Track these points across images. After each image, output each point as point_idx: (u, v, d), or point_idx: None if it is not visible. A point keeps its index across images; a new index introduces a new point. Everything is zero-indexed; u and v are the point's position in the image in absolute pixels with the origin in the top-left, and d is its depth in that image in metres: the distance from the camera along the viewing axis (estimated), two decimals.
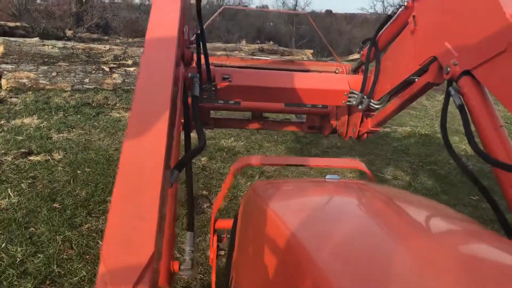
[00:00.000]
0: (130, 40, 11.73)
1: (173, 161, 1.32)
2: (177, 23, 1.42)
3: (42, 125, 6.34)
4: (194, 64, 2.31)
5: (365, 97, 2.40)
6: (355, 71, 2.84)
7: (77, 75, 8.40)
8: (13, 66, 8.19)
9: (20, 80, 7.98)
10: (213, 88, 2.40)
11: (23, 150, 5.33)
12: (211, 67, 2.38)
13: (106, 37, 13.36)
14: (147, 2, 45.47)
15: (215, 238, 2.16)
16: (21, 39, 8.79)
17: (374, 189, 1.63)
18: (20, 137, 5.77)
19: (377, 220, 1.29)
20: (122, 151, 0.91)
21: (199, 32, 2.20)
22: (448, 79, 1.74)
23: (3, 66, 8.18)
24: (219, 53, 10.70)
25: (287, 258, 1.10)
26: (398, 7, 2.27)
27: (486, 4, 1.55)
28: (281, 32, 51.34)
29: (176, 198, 1.60)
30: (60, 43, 9.07)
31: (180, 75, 1.70)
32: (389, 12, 2.37)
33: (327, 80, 2.59)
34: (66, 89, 8.18)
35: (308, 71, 3.17)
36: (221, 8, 4.26)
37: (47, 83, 8.15)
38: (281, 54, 12.03)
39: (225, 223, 2.12)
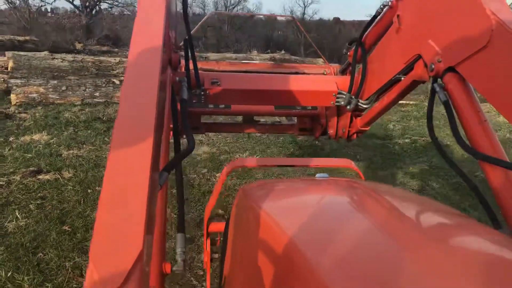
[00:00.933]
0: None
1: (162, 164, 1.30)
2: (162, 28, 1.41)
3: (51, 141, 6.17)
4: (182, 70, 2.32)
5: (353, 97, 2.42)
6: (342, 72, 2.85)
7: (87, 89, 8.26)
8: (23, 81, 8.07)
9: (29, 95, 7.85)
10: (202, 93, 2.40)
11: (32, 168, 5.15)
12: (199, 72, 2.38)
13: (116, 49, 13.26)
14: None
15: (209, 241, 2.17)
16: (30, 53, 8.69)
17: (365, 186, 1.64)
18: (29, 155, 5.60)
19: (369, 217, 1.30)
20: (108, 155, 0.90)
21: (187, 37, 2.22)
22: (432, 76, 1.76)
23: (13, 81, 8.06)
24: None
25: (280, 258, 1.09)
26: (382, 7, 2.28)
27: (467, 1, 1.57)
28: (289, 41, 51.35)
29: (166, 200, 1.60)
30: (69, 56, 8.96)
31: (168, 80, 1.70)
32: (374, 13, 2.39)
33: (315, 81, 2.62)
34: (76, 103, 8.04)
35: (296, 73, 3.20)
36: (208, 14, 4.21)
37: (57, 97, 8.01)
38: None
39: (218, 226, 2.12)
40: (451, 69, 1.67)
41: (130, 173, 0.88)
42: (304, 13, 53.29)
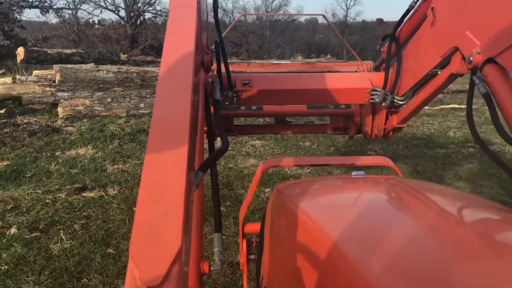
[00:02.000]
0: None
1: (197, 165, 1.30)
2: (194, 29, 1.40)
3: (96, 155, 6.06)
4: (215, 72, 2.31)
5: (388, 93, 2.36)
6: (376, 68, 2.79)
7: (132, 100, 8.18)
8: (69, 94, 8.10)
9: (75, 108, 7.85)
10: (234, 95, 2.39)
11: (77, 185, 5.03)
12: (231, 73, 2.36)
13: (160, 59, 13.22)
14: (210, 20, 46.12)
15: (245, 242, 2.16)
16: (77, 66, 8.74)
17: (404, 183, 1.61)
18: (75, 170, 5.50)
19: (411, 215, 1.27)
20: (145, 155, 0.90)
21: (218, 40, 2.21)
22: (471, 68, 1.70)
23: (60, 94, 8.11)
24: None
25: (320, 258, 1.08)
26: (416, 0, 2.23)
27: None
28: (331, 44, 50.71)
29: (202, 200, 1.59)
30: (114, 68, 8.95)
31: (201, 81, 1.70)
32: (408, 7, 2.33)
33: (348, 79, 2.55)
34: (121, 115, 7.97)
35: (329, 71, 3.14)
36: (239, 15, 4.03)
37: (102, 109, 7.97)
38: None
39: (254, 227, 2.11)
40: (490, 60, 1.61)
41: (167, 172, 0.88)
42: (346, 15, 52.50)
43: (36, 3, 28.76)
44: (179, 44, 1.35)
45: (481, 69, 1.66)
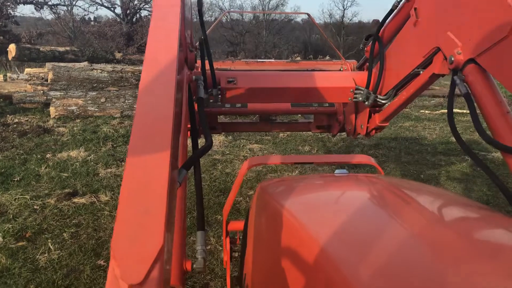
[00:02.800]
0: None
1: (181, 163, 1.27)
2: (177, 27, 1.40)
3: (89, 158, 5.85)
4: (199, 70, 2.31)
5: (371, 92, 2.40)
6: (360, 67, 2.82)
7: (126, 100, 7.95)
8: (62, 93, 7.86)
9: (68, 108, 7.62)
10: (218, 92, 2.40)
11: (67, 190, 4.81)
12: (215, 71, 2.38)
13: None
14: (194, 20, 46.05)
15: (228, 240, 2.16)
16: (70, 64, 8.50)
17: (386, 182, 1.64)
18: (65, 174, 5.28)
19: (392, 213, 1.28)
20: (127, 154, 0.90)
21: (202, 37, 2.23)
22: (452, 68, 1.73)
23: (52, 93, 7.87)
24: None
25: (302, 255, 1.08)
26: (399, 0, 2.25)
27: None
28: (327, 44, 50.60)
29: (185, 198, 1.60)
30: (109, 67, 8.71)
31: (185, 78, 1.72)
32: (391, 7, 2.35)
33: (332, 77, 2.59)
34: (115, 116, 7.75)
35: (313, 70, 3.16)
36: (223, 13, 3.91)
37: (96, 109, 7.75)
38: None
39: (237, 225, 2.11)
40: (471, 61, 1.64)
41: (149, 170, 0.87)
42: (343, 16, 52.36)
43: None
44: (163, 42, 1.33)
45: (462, 69, 1.68)
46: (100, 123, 7.38)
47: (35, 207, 4.44)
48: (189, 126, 1.82)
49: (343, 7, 52.09)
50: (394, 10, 2.34)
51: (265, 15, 48.67)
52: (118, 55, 10.27)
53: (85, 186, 4.96)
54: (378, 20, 2.49)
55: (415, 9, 2.08)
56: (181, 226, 1.53)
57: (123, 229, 0.75)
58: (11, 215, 4.25)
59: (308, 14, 3.92)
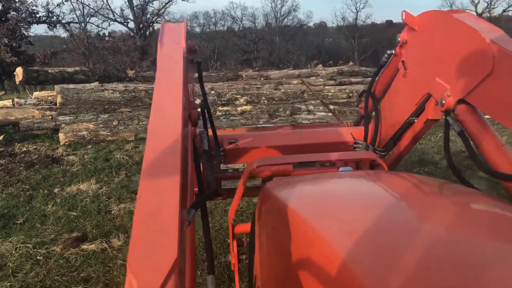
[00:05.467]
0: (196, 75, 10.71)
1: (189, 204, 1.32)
2: (181, 86, 1.45)
3: (100, 191, 5.27)
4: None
5: (369, 145, 2.47)
6: (357, 124, 2.87)
7: (140, 122, 7.40)
8: (72, 117, 7.35)
9: (78, 133, 7.09)
10: (221, 153, 2.46)
11: (75, 234, 4.23)
12: (218, 133, 2.45)
13: None
14: (207, 30, 46.02)
15: (235, 243, 2.15)
16: (80, 86, 8.00)
17: (391, 177, 1.66)
18: (74, 213, 4.71)
19: (402, 209, 1.28)
20: (136, 203, 0.93)
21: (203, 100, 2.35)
22: (444, 110, 1.80)
23: (61, 118, 7.37)
24: (294, 81, 9.37)
25: (312, 254, 1.08)
26: (387, 56, 2.36)
27: (466, 35, 1.70)
28: (341, 48, 49.90)
29: (194, 240, 1.60)
30: (121, 86, 8.19)
31: (189, 134, 1.80)
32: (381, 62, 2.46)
33: (331, 133, 2.70)
34: (129, 139, 7.19)
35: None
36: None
37: (108, 133, 7.21)
38: (363, 75, 10.49)
39: (244, 227, 2.11)
40: (461, 101, 1.73)
41: (161, 194, 0.95)
42: (356, 18, 51.63)
43: (43, 18, 28.41)
44: (168, 98, 1.38)
45: (454, 110, 1.76)
46: (113, 148, 6.83)
47: (38, 257, 3.87)
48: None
49: (356, 9, 51.34)
50: (383, 67, 2.45)
51: (277, 21, 48.29)
52: (131, 73, 9.76)
53: (96, 228, 4.37)
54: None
55: (402, 61, 2.21)
56: (191, 267, 1.47)
57: (139, 245, 0.80)
58: (11, 269, 3.68)
59: (302, 80, 4.07)
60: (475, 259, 0.90)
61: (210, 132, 2.42)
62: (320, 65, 11.57)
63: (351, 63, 11.37)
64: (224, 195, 2.91)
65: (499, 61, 1.52)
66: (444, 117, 1.83)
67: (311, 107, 8.39)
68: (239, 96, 8.61)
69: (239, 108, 8.31)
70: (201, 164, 1.99)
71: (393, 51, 2.32)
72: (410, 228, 1.10)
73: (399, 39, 2.25)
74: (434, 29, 1.98)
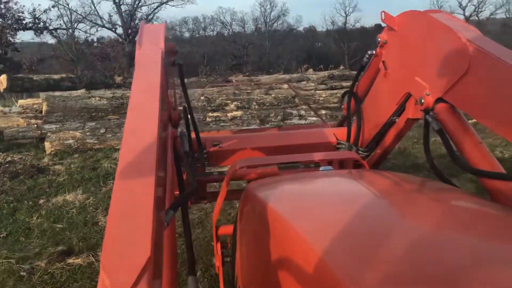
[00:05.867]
0: (185, 80, 10.55)
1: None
2: (159, 87, 1.43)
3: (87, 202, 5.11)
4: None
5: (352, 146, 2.48)
6: (340, 124, 2.87)
7: None
8: (57, 126, 7.18)
9: (65, 142, 6.92)
10: (205, 156, 2.45)
11: (61, 248, 4.06)
12: (201, 135, 2.46)
13: None
14: (197, 35, 45.87)
15: (219, 245, 2.14)
16: (66, 93, 7.83)
17: (372, 176, 1.69)
18: (60, 225, 4.54)
19: (382, 207, 1.29)
20: (111, 198, 0.93)
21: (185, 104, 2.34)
22: (424, 109, 1.82)
23: (47, 126, 7.19)
24: (285, 86, 9.28)
25: (292, 254, 1.08)
26: (368, 56, 2.38)
27: (443, 34, 1.73)
28: (331, 52, 50.01)
29: (175, 240, 1.58)
30: (108, 93, 8.04)
31: (169, 136, 1.80)
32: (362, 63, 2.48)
33: (314, 134, 2.72)
34: (117, 147, 7.02)
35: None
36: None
37: (95, 141, 7.04)
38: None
39: (227, 229, 2.09)
40: (440, 100, 1.75)
41: (136, 192, 0.94)
42: (346, 23, 51.84)
43: (30, 25, 28.08)
44: (145, 98, 1.36)
45: (433, 108, 1.77)
46: (101, 157, 6.66)
47: (22, 273, 3.69)
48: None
49: (345, 13, 51.54)
50: (364, 67, 2.46)
51: (267, 26, 48.31)
52: (118, 79, 9.63)
53: (82, 241, 4.20)
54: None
55: (383, 62, 2.22)
56: (171, 269, 1.45)
57: (112, 244, 0.79)
58: None
59: (287, 84, 4.02)
60: (452, 256, 0.91)
61: (193, 134, 2.41)
62: (311, 70, 11.52)
63: (341, 67, 11.35)
64: (209, 198, 2.85)
65: (475, 60, 1.54)
66: (424, 116, 1.85)
67: (302, 112, 8.29)
68: (230, 101, 8.50)
69: (229, 114, 8.19)
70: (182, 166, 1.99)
71: (374, 52, 2.33)
72: (388, 226, 1.11)
73: (379, 39, 2.27)
74: (413, 29, 2.00)
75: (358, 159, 2.04)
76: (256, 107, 8.55)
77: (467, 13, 43.12)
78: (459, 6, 43.58)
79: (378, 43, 2.28)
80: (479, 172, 1.56)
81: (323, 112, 8.45)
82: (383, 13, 2.17)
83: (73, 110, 7.43)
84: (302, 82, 9.96)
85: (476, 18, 42.81)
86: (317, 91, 9.56)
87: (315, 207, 1.29)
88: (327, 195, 1.47)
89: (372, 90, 2.42)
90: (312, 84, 9.88)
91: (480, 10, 42.90)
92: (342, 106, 2.72)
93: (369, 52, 2.38)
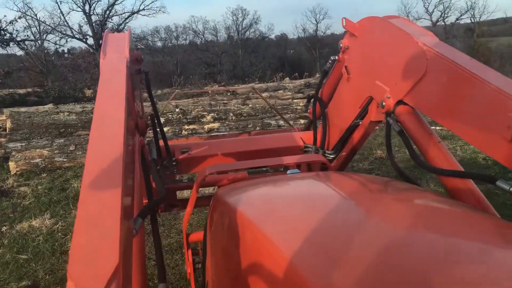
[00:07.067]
0: (159, 92, 10.23)
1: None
2: (124, 95, 1.42)
3: (55, 227, 4.73)
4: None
5: (319, 149, 2.55)
6: (307, 128, 2.94)
7: None
8: (23, 144, 6.74)
9: (31, 161, 6.49)
10: (174, 163, 2.48)
11: (25, 283, 3.69)
12: (170, 143, 2.50)
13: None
14: (169, 44, 45.34)
15: (190, 252, 2.15)
16: (32, 108, 7.39)
17: (337, 177, 1.75)
18: (24, 256, 4.15)
19: (347, 207, 1.32)
20: (78, 208, 0.91)
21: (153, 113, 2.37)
22: (385, 112, 1.89)
23: (11, 145, 6.74)
24: (264, 94, 9.05)
25: (261, 258, 1.09)
26: (331, 61, 2.45)
27: (400, 39, 1.81)
28: (303, 58, 50.30)
29: (144, 248, 1.54)
30: (78, 107, 7.64)
31: (136, 144, 1.81)
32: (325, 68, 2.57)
33: (281, 138, 2.81)
34: None
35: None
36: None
37: (64, 159, 6.64)
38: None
39: (198, 236, 2.09)
40: (400, 102, 1.82)
41: (103, 201, 0.92)
42: (317, 30, 52.24)
43: None
44: (110, 103, 1.36)
45: (394, 111, 1.85)
46: (70, 176, 6.26)
47: None
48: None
49: (316, 20, 52.01)
50: (328, 72, 2.52)
51: (239, 34, 48.22)
52: (88, 92, 9.22)
53: (49, 274, 3.83)
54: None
55: (345, 67, 2.27)
56: (141, 277, 1.41)
57: (79, 252, 0.77)
58: None
59: (253, 88, 4.31)
60: (415, 253, 0.94)
61: (162, 143, 2.41)
62: (287, 78, 11.37)
63: (317, 75, 11.19)
64: (180, 206, 2.85)
65: (432, 63, 1.61)
66: (385, 118, 1.91)
67: (281, 122, 8.07)
68: (206, 113, 8.21)
69: (206, 126, 7.90)
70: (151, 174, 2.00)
71: (336, 57, 2.38)
72: (354, 226, 1.12)
73: (341, 45, 2.32)
74: (372, 35, 2.07)
75: (325, 161, 2.08)
76: (234, 118, 8.29)
77: (434, 19, 44.08)
78: (426, 12, 44.55)
79: (340, 48, 2.33)
80: (438, 171, 1.62)
81: (302, 121, 8.25)
82: (344, 19, 2.23)
83: (40, 127, 6.99)
84: (279, 91, 9.75)
85: (443, 23, 43.82)
86: (295, 100, 9.37)
87: (283, 210, 1.32)
88: (294, 198, 1.49)
89: (336, 94, 2.48)
90: (289, 93, 9.68)
91: (446, 15, 43.96)
92: (308, 111, 2.78)
93: (332, 58, 2.43)
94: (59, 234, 4.61)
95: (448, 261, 0.89)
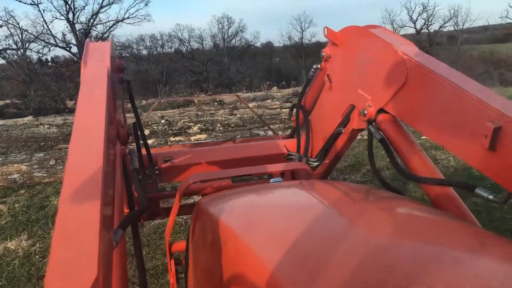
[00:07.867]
0: (144, 102, 9.95)
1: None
2: (104, 99, 1.42)
3: (33, 250, 4.44)
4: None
5: (302, 156, 2.54)
6: (291, 136, 2.98)
7: None
8: (1, 158, 6.43)
9: (9, 177, 6.18)
10: (156, 172, 2.43)
11: None
12: (152, 151, 2.45)
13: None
14: (155, 52, 45.02)
15: (173, 262, 2.17)
16: (10, 121, 7.09)
17: (320, 185, 1.75)
18: None
19: (329, 216, 1.33)
20: (55, 225, 0.88)
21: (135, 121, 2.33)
22: (367, 120, 1.91)
23: None
24: (251, 104, 8.86)
25: (240, 265, 1.10)
26: (314, 70, 2.47)
27: (380, 49, 1.82)
28: (289, 66, 50.43)
29: (125, 260, 1.51)
30: (59, 119, 7.35)
31: (118, 153, 1.77)
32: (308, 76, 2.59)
33: (265, 147, 2.80)
34: None
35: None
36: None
37: (44, 174, 6.34)
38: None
39: (181, 245, 2.11)
40: (381, 110, 1.83)
41: (81, 214, 0.90)
42: (302, 38, 52.44)
43: None
44: (90, 113, 1.35)
45: (375, 119, 1.86)
46: (50, 192, 5.96)
47: None
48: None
49: (301, 29, 52.18)
50: (310, 80, 2.54)
51: (225, 42, 48.12)
52: (70, 103, 8.93)
53: None
54: None
55: (328, 75, 2.29)
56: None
57: (57, 266, 0.76)
58: None
59: (237, 95, 3.95)
60: (396, 261, 0.94)
61: (144, 151, 2.40)
62: (275, 87, 11.19)
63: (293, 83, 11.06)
64: (163, 215, 2.79)
65: (411, 72, 1.63)
66: (367, 126, 1.92)
67: (270, 133, 7.88)
68: (192, 124, 7.99)
69: (192, 138, 7.67)
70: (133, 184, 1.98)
71: (319, 66, 2.40)
72: (336, 235, 1.13)
73: (323, 54, 2.34)
74: (354, 44, 2.09)
75: (308, 169, 2.09)
76: (221, 128, 8.07)
77: (418, 26, 44.53)
78: (410, 20, 44.99)
79: (322, 57, 2.36)
80: (419, 179, 1.64)
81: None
82: (325, 28, 2.26)
83: (18, 140, 6.68)
84: (267, 101, 9.57)
85: (427, 31, 44.29)
86: (283, 109, 9.21)
87: (265, 220, 1.33)
88: (276, 206, 1.50)
89: (319, 103, 2.50)
90: (277, 102, 9.51)
91: (430, 23, 44.40)
92: (291, 119, 2.80)
93: (314, 66, 2.45)
94: (37, 257, 4.32)
95: (426, 270, 0.90)
